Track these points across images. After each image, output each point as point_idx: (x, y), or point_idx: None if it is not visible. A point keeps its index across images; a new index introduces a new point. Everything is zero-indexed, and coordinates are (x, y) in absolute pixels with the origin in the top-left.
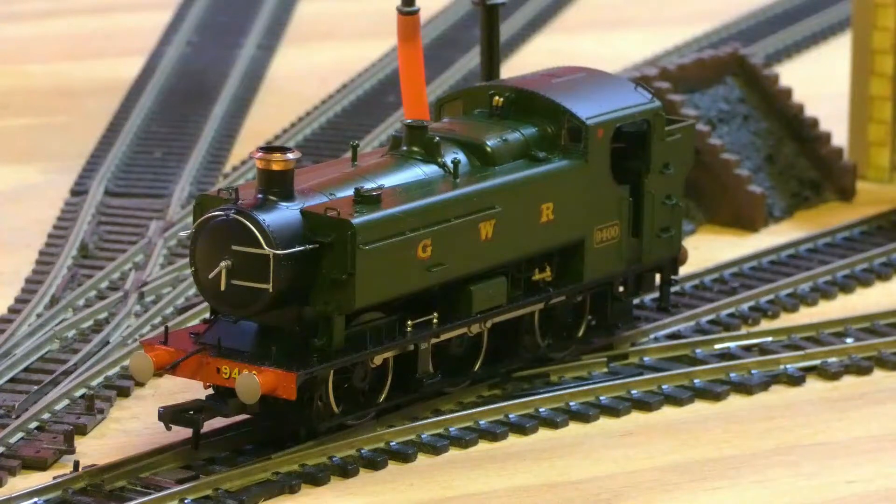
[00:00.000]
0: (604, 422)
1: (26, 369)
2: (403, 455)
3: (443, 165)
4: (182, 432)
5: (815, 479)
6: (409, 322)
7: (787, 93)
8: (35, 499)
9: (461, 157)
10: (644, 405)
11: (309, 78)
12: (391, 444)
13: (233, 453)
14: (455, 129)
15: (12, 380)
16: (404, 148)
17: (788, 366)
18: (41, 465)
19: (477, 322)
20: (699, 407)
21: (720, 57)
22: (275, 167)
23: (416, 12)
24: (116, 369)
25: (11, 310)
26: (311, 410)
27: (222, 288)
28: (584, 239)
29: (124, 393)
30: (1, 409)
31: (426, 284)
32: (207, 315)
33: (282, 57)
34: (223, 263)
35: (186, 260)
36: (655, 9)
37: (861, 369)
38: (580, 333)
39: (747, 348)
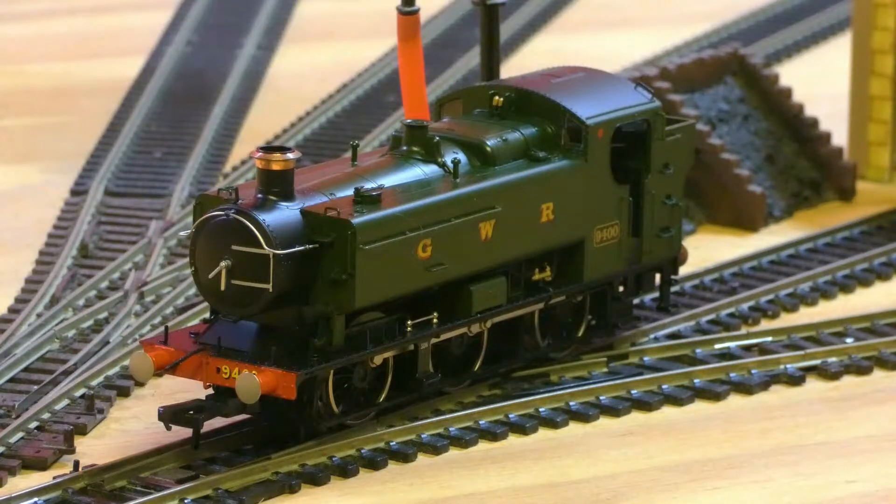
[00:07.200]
0: (604, 422)
1: (26, 369)
2: (403, 455)
3: (443, 165)
4: (182, 432)
5: (815, 479)
6: (409, 322)
7: (787, 93)
8: (35, 499)
9: (461, 156)
10: (644, 405)
11: (309, 78)
12: (391, 444)
13: (233, 453)
14: (455, 129)
15: (12, 380)
16: (404, 148)
17: (788, 366)
18: (41, 465)
19: (477, 322)
20: (699, 407)
21: (720, 57)
22: (275, 167)
23: (416, 12)
24: (116, 369)
25: (11, 310)
26: (311, 410)
27: (222, 288)
28: (584, 239)
29: (124, 393)
30: (1, 409)
31: (426, 284)
32: (207, 315)
33: (282, 57)
34: (223, 263)
35: (186, 260)
36: (655, 9)
37: (861, 369)
38: (580, 333)
39: (747, 348)
